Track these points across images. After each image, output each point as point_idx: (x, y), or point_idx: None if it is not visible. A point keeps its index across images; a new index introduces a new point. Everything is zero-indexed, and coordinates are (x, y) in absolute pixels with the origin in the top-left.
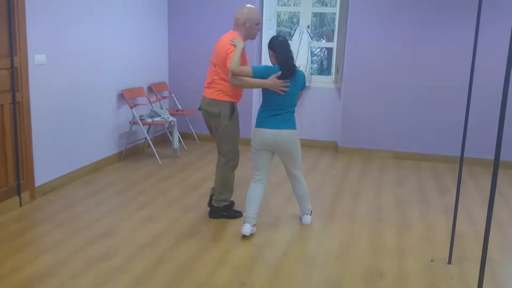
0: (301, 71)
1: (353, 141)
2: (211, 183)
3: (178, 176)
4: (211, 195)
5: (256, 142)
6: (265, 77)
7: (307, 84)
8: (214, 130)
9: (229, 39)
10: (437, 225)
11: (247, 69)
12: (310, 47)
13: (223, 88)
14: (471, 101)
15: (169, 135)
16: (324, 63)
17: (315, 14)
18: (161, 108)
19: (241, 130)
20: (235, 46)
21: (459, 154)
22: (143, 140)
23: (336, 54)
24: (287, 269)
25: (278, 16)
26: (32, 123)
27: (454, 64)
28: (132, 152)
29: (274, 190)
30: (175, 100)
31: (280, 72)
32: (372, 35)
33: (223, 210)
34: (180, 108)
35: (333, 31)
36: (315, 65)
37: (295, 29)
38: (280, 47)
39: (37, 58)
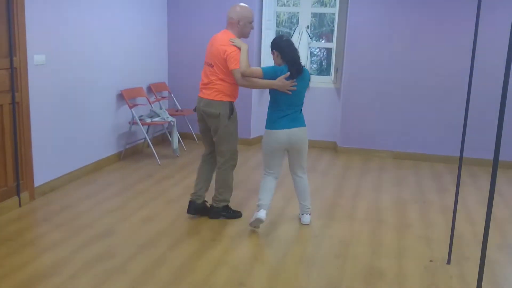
0: (306, 69)
1: (353, 141)
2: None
3: (178, 176)
4: (190, 201)
5: (269, 143)
6: (274, 78)
7: None
8: (212, 131)
9: (226, 39)
10: (436, 225)
11: (258, 70)
12: (310, 47)
13: (221, 89)
14: (471, 102)
15: (169, 135)
16: (323, 63)
17: (314, 15)
18: (161, 108)
19: (240, 130)
20: (236, 47)
21: (459, 154)
22: (143, 140)
23: (336, 54)
24: (287, 269)
25: (278, 16)
26: (31, 123)
27: (453, 65)
28: (131, 152)
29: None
30: (174, 100)
31: (288, 73)
32: (371, 35)
33: (222, 210)
34: (179, 108)
35: (332, 31)
36: (315, 65)
37: (295, 30)
38: (287, 47)
39: (36, 58)
